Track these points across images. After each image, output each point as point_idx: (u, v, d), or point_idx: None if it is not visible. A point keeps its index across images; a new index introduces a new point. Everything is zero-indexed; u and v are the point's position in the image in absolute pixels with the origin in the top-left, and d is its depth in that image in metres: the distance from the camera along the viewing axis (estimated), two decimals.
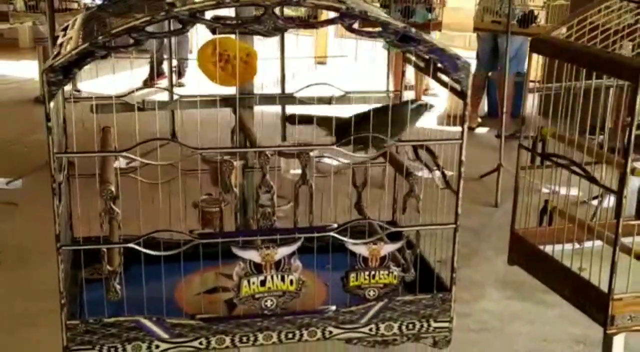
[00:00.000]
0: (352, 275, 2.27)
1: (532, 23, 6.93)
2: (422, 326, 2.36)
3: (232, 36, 2.46)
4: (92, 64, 1.99)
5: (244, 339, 2.28)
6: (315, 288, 2.39)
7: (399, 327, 2.34)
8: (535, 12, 6.94)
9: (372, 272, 2.27)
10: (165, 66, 8.51)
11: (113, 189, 2.12)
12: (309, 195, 2.23)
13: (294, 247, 2.18)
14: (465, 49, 9.92)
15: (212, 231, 2.29)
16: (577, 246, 2.70)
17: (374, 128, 2.24)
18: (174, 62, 7.84)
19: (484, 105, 8.77)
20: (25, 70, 9.47)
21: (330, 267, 2.34)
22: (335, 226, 2.22)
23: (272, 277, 2.20)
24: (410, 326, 2.35)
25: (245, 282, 2.19)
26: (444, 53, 2.14)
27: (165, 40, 6.38)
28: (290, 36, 3.03)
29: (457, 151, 2.25)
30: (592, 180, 2.41)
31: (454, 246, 2.32)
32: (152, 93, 8.82)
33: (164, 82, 8.60)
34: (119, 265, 2.19)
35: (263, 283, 2.20)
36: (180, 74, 8.58)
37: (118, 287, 2.22)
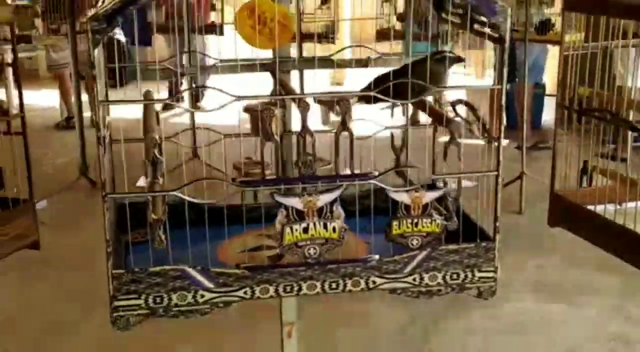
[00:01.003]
0: (395, 223, 2.28)
1: (550, 30, 6.98)
2: (466, 276, 2.36)
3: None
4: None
5: (288, 288, 2.28)
6: (358, 246, 2.41)
7: (443, 277, 2.34)
8: (553, 20, 6.99)
9: (415, 220, 2.28)
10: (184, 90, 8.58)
11: (157, 136, 2.15)
12: (349, 142, 2.25)
13: (336, 194, 2.20)
14: (478, 76, 9.95)
15: (254, 179, 2.30)
16: (619, 206, 2.70)
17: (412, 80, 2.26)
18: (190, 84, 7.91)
19: (504, 118, 8.78)
20: (45, 99, 9.64)
21: (372, 226, 2.34)
22: (377, 173, 2.24)
23: (314, 224, 2.21)
24: (455, 276, 2.35)
25: (288, 230, 2.21)
26: None
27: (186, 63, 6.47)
28: None
29: (497, 99, 2.28)
30: (634, 128, 2.42)
31: (496, 194, 2.32)
32: (172, 115, 8.91)
33: (184, 105, 8.68)
34: (164, 213, 2.21)
35: (306, 230, 2.22)
36: (198, 98, 8.65)
37: (163, 236, 2.23)
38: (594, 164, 2.73)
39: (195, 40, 7.27)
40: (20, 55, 7.65)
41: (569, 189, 2.72)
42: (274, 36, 2.42)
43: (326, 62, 2.75)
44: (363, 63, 2.78)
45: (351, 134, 2.24)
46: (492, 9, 2.17)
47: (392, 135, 2.55)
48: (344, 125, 2.23)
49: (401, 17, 7.45)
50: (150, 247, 2.24)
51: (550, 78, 9.04)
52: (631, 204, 2.61)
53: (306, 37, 6.01)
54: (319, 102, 2.25)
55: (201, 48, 7.51)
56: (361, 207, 2.33)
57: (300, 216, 2.21)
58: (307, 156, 2.20)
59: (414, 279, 2.33)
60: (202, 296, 2.25)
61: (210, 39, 8.11)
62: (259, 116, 2.15)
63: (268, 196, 2.24)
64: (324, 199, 2.20)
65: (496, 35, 2.21)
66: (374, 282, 2.32)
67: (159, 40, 8.77)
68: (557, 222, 2.76)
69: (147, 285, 2.21)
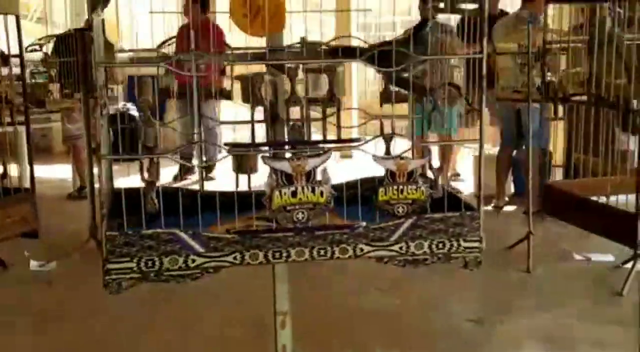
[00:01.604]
0: (381, 190, 2.35)
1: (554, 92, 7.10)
2: (452, 245, 2.41)
3: None
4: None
5: (277, 254, 2.34)
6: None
7: (429, 246, 2.40)
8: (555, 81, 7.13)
9: (400, 187, 2.35)
10: (194, 161, 8.73)
11: (150, 99, 2.25)
12: (337, 109, 2.34)
13: (324, 158, 2.28)
14: (486, 141, 10.08)
15: (244, 143, 2.39)
16: (603, 198, 2.77)
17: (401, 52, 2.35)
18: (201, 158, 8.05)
19: (511, 185, 8.85)
20: (59, 172, 9.84)
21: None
22: (364, 139, 2.33)
23: (302, 188, 2.29)
24: (441, 245, 2.40)
25: (277, 193, 2.28)
26: None
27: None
28: None
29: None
30: (612, 106, 2.51)
31: (480, 162, 2.40)
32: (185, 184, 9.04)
33: (194, 177, 8.80)
34: (157, 176, 2.29)
35: (294, 194, 2.29)
36: (210, 169, 8.78)
37: (155, 199, 2.31)
38: (577, 156, 2.81)
39: (208, 107, 7.41)
40: (35, 126, 7.86)
41: (558, 181, 2.79)
42: (265, 24, 2.54)
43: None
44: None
45: (338, 102, 2.33)
46: None
47: (381, 122, 2.64)
48: (331, 92, 2.32)
49: None
50: (143, 209, 2.31)
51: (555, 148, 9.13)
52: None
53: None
54: (307, 70, 2.35)
55: (213, 116, 7.66)
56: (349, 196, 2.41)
57: (289, 179, 2.28)
58: (295, 122, 2.30)
59: (401, 248, 2.39)
60: (193, 261, 2.31)
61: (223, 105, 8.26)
62: (249, 81, 2.26)
63: (262, 184, 2.32)
64: (312, 163, 2.28)
65: (475, 5, 2.31)
66: (361, 249, 2.37)
67: (172, 110, 8.94)
68: (549, 211, 2.82)
69: (139, 248, 2.28)
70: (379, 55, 2.33)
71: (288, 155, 2.29)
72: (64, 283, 6.06)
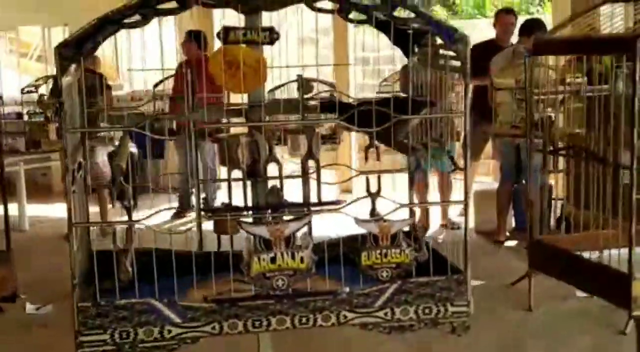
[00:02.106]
0: (364, 254, 2.26)
1: (550, 127, 7.01)
2: (439, 311, 2.31)
3: (242, 45, 2.56)
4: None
5: (257, 323, 2.24)
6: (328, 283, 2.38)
7: (415, 312, 2.30)
8: (552, 117, 7.04)
9: (384, 251, 2.26)
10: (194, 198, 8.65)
11: (123, 164, 2.17)
12: (316, 169, 2.26)
13: (303, 222, 2.20)
14: (488, 175, 9.99)
15: (220, 207, 2.31)
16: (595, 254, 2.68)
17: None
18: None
19: (512, 220, 8.74)
20: (57, 211, 9.75)
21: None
22: (347, 201, 2.24)
23: (282, 254, 2.20)
24: (427, 310, 2.31)
25: (255, 259, 2.19)
26: (440, 25, 2.23)
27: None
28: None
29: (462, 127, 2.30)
30: (602, 160, 2.43)
31: (465, 223, 2.31)
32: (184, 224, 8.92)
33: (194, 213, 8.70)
34: (130, 243, 2.21)
35: (273, 260, 2.20)
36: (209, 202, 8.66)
37: (129, 267, 2.22)
38: (569, 210, 2.72)
39: (206, 147, 7.34)
40: (34, 166, 7.80)
41: (547, 235, 2.70)
42: (245, 81, 2.47)
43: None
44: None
45: (317, 162, 2.25)
46: (450, 37, 2.22)
47: (367, 180, 2.56)
48: (310, 153, 2.25)
49: None
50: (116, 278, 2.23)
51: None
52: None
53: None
54: (285, 131, 2.28)
55: (211, 156, 7.59)
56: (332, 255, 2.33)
57: (268, 245, 2.20)
58: (273, 184, 2.22)
59: (386, 314, 2.29)
60: (169, 332, 2.22)
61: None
62: (226, 144, 2.18)
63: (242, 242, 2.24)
64: (291, 227, 2.19)
65: (457, 63, 2.24)
66: (345, 316, 2.28)
67: (172, 149, 8.88)
68: (536, 265, 2.73)
69: (113, 318, 2.19)
70: (363, 111, 2.26)
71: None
72: (60, 326, 5.95)
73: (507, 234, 8.83)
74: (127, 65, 9.93)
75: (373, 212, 2.60)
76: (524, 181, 7.83)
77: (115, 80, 11.59)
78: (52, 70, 10.24)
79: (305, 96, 2.63)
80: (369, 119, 2.22)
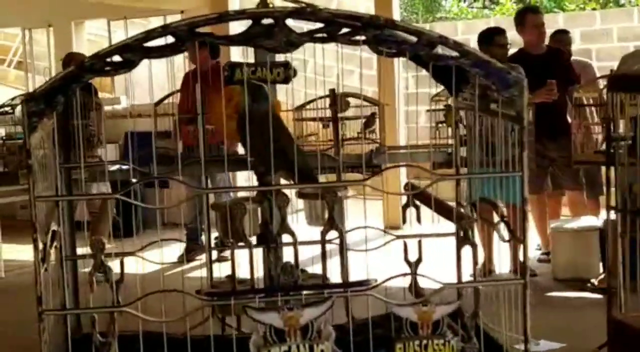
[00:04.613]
0: (399, 345, 2.26)
1: None
2: None
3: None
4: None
5: None
6: None
7: None
8: None
9: (424, 342, 2.26)
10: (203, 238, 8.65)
11: (105, 240, 2.21)
12: (340, 244, 2.27)
13: (323, 309, 2.20)
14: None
15: (224, 290, 2.33)
16: None
17: None
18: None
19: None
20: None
21: None
22: (375, 282, 2.25)
23: (297, 347, 2.20)
24: None
25: None
26: (490, 66, 2.24)
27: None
28: None
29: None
30: None
31: (524, 307, 2.30)
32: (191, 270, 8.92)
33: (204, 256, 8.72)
34: (113, 336, 2.24)
35: None
36: (222, 244, 8.65)
37: None
38: None
39: (217, 177, 7.37)
40: (8, 199, 7.89)
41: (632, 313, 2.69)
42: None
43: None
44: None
45: (341, 234, 2.27)
46: (505, 81, 2.22)
47: (405, 245, 2.57)
48: (331, 223, 2.26)
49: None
50: None
51: None
52: None
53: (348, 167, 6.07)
54: (300, 195, 2.30)
55: (226, 185, 7.60)
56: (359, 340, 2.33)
57: (280, 336, 2.20)
58: (287, 262, 2.23)
59: None
60: None
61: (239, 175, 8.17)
62: (228, 213, 2.21)
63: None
64: (309, 314, 2.19)
65: (512, 113, 2.25)
66: None
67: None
68: None
69: None
70: None
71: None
72: None
73: (596, 282, 8.77)
74: (125, 75, 10.02)
75: (412, 288, 2.62)
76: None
77: (110, 92, 11.72)
78: (37, 80, 10.39)
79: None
80: None
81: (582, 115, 6.84)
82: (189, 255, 8.75)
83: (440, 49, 2.20)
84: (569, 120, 6.97)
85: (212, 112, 2.56)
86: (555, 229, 7.10)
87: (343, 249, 2.20)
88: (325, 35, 2.18)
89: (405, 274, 2.31)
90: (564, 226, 7.14)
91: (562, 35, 7.92)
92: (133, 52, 2.14)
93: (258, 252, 2.43)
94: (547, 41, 7.36)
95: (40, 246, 2.17)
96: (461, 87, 2.56)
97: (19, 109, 7.51)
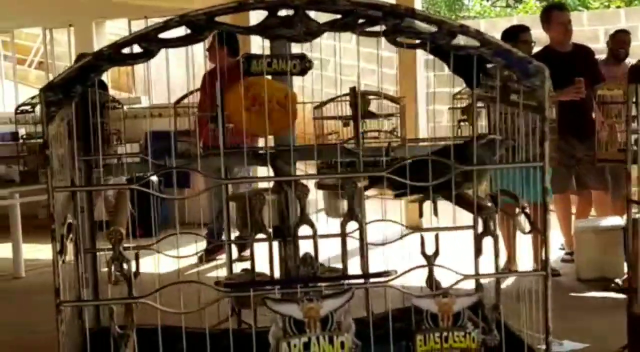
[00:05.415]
0: (419, 337, 2.25)
1: None
2: None
3: (268, 77, 2.59)
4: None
5: None
6: None
7: None
8: None
9: (444, 334, 2.25)
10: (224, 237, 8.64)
11: (123, 231, 2.21)
12: (359, 235, 2.27)
13: (343, 300, 2.19)
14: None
15: (242, 281, 2.33)
16: None
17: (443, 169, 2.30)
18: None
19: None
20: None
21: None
22: (395, 273, 2.24)
23: (317, 338, 2.20)
24: None
25: (284, 345, 2.20)
26: (512, 55, 2.23)
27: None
28: None
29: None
30: None
31: (545, 299, 2.28)
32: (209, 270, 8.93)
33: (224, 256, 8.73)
34: (131, 326, 2.24)
35: (307, 346, 2.20)
36: (242, 247, 8.65)
37: None
38: None
39: (235, 170, 7.35)
40: (30, 199, 7.91)
41: None
42: (272, 120, 2.49)
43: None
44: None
45: (360, 225, 2.26)
46: (526, 70, 2.21)
47: (422, 238, 2.56)
48: (351, 214, 2.26)
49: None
50: None
51: None
52: None
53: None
54: (319, 186, 2.30)
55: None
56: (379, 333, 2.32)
57: (300, 327, 2.20)
58: (306, 253, 2.23)
59: None
60: None
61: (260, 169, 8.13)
62: (247, 204, 2.20)
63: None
64: (328, 305, 2.19)
65: (533, 103, 2.24)
66: None
67: (198, 179, 8.93)
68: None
69: None
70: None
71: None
72: None
73: (620, 282, 8.72)
74: (145, 73, 10.05)
75: (430, 281, 2.61)
76: None
77: (130, 91, 11.74)
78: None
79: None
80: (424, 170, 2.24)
81: (606, 113, 6.82)
82: (207, 256, 8.76)
83: (461, 42, 2.19)
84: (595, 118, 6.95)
85: (230, 109, 2.55)
86: (579, 228, 7.08)
87: (362, 240, 2.19)
88: (344, 23, 2.17)
89: (425, 266, 2.29)
90: (587, 225, 7.11)
91: (622, 35, 7.89)
92: (150, 41, 2.14)
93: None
94: (604, 40, 7.35)
95: (58, 237, 2.16)
96: (480, 80, 2.55)
97: (38, 108, 7.54)
